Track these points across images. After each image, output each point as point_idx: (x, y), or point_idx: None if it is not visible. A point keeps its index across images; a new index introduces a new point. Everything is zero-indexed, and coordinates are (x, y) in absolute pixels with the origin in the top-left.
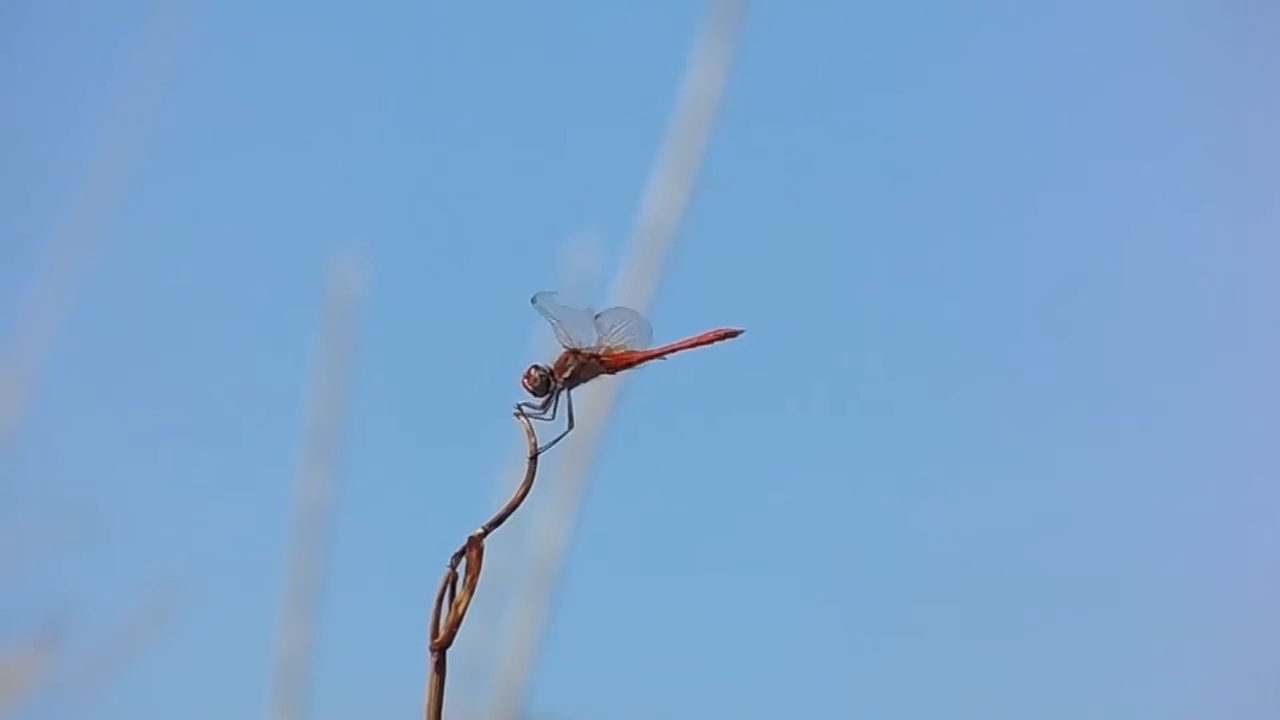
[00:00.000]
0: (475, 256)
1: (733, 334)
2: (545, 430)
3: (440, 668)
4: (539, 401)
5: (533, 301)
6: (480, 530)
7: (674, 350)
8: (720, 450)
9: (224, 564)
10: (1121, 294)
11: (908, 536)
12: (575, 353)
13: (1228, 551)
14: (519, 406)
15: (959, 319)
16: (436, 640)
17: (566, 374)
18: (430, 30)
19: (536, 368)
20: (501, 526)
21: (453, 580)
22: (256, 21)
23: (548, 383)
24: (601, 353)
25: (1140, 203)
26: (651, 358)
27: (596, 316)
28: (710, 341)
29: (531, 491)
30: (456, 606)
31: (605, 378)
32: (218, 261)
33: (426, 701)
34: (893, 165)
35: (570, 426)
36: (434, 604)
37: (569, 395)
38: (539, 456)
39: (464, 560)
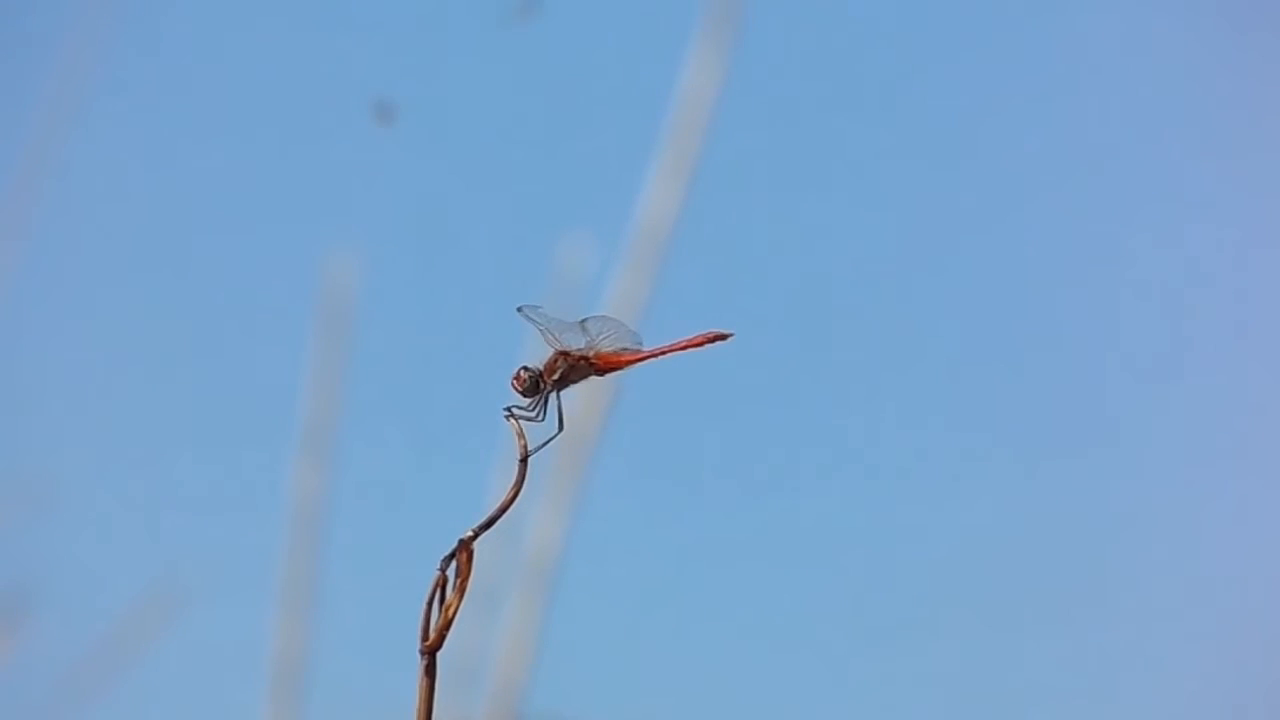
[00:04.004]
0: (470, 256)
1: (723, 337)
2: (536, 432)
3: (430, 671)
4: (528, 403)
5: (519, 311)
6: (470, 533)
7: (664, 353)
8: (715, 450)
9: (218, 563)
10: (1124, 297)
11: (907, 536)
12: (565, 354)
13: (1231, 552)
14: (509, 409)
15: (956, 321)
16: (426, 644)
17: (555, 376)
18: (425, 30)
19: (526, 369)
20: (496, 527)
21: (442, 583)
22: (251, 19)
23: (537, 384)
24: (591, 355)
25: (1139, 204)
26: (641, 360)
27: (582, 323)
28: (700, 344)
29: (523, 493)
30: (446, 609)
31: (595, 378)
32: (211, 260)
33: (417, 705)
34: (889, 166)
35: (560, 428)
36: (423, 607)
37: (559, 397)
38: (529, 459)
39: (454, 563)
